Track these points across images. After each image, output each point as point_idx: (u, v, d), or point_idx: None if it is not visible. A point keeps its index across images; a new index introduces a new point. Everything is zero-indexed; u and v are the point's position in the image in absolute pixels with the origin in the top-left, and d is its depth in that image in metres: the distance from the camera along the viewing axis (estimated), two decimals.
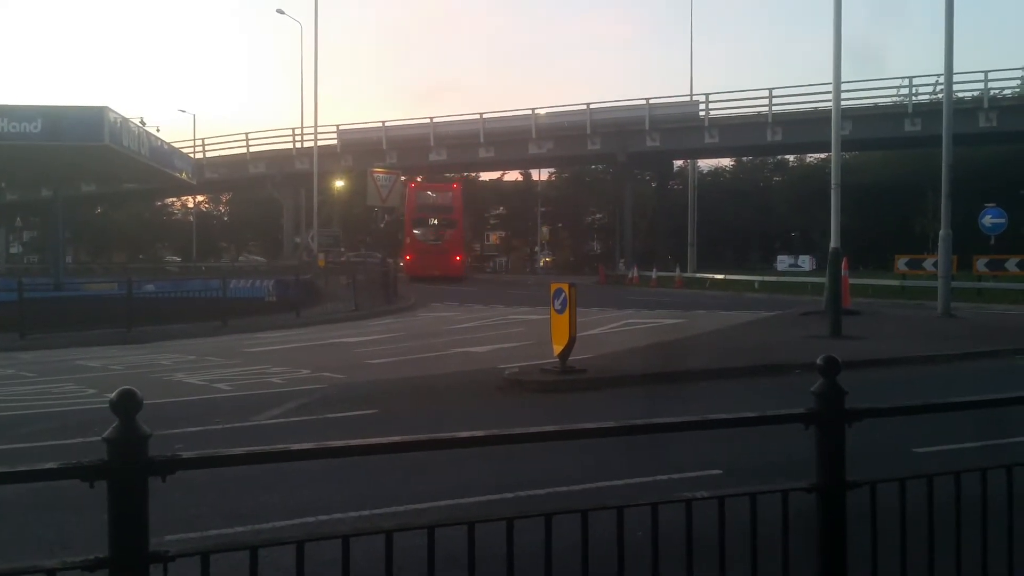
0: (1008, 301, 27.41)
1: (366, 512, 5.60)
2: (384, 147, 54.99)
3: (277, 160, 58.91)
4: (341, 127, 57.48)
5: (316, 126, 48.36)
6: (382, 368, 13.67)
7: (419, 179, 45.44)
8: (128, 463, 2.20)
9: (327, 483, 6.24)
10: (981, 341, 15.46)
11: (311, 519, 5.50)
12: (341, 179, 54.37)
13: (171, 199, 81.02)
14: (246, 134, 60.31)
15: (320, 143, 49.63)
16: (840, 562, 2.90)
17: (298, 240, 56.86)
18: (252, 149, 60.18)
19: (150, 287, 29.23)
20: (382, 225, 37.32)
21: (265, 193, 64.10)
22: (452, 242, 42.28)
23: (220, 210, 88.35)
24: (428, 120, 55.14)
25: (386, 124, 56.32)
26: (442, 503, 5.74)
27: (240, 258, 74.53)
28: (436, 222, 41.92)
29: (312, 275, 34.39)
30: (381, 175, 33.79)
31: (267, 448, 2.53)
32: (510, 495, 5.99)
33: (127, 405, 2.21)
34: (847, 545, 2.90)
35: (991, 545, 3.10)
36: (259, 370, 13.52)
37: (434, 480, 6.28)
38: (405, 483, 6.23)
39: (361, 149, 55.32)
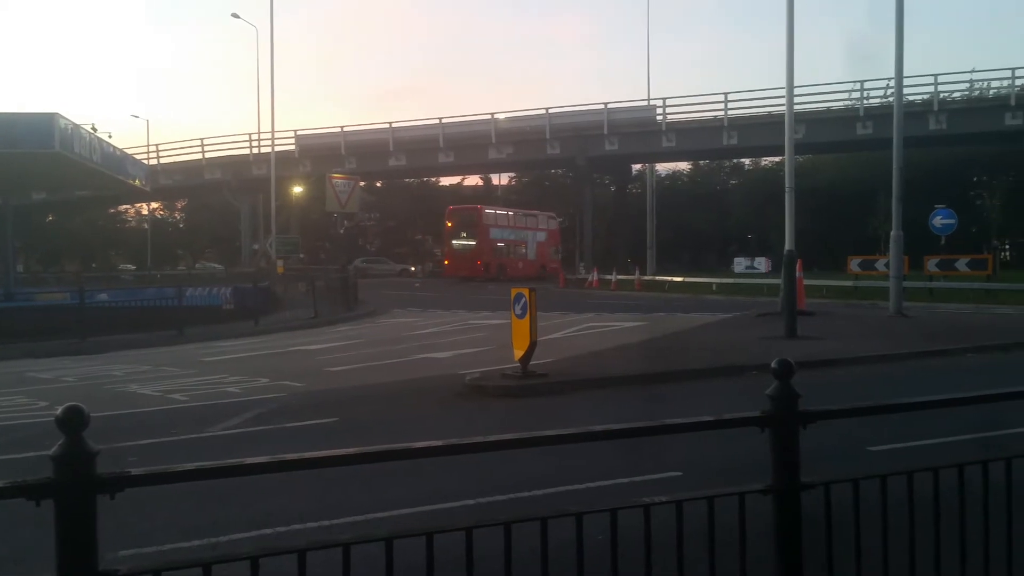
0: (958, 300, 27.97)
1: (325, 523, 5.54)
2: (343, 152, 54.72)
3: (233, 166, 58.31)
4: (299, 132, 57.09)
5: (273, 131, 48.04)
6: (342, 376, 13.57)
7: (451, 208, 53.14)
8: (74, 481, 2.15)
9: (285, 494, 6.17)
10: (932, 340, 15.76)
11: (269, 531, 5.43)
12: (299, 185, 53.97)
13: (125, 206, 79.65)
14: (201, 140, 59.70)
15: (278, 149, 49.26)
16: (796, 562, 2.93)
17: (256, 247, 56.33)
18: (208, 155, 59.52)
19: (103, 296, 28.71)
20: (341, 231, 37.18)
21: (222, 199, 63.42)
22: (476, 250, 49.96)
23: (176, 217, 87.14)
24: (387, 125, 54.98)
25: (345, 129, 56.06)
26: (403, 511, 5.71)
27: (197, 265, 73.53)
28: (465, 235, 49.94)
29: (271, 282, 34.05)
30: (340, 181, 33.66)
31: (218, 463, 2.49)
32: (471, 501, 5.97)
33: (73, 421, 2.16)
34: (804, 545, 2.94)
35: (944, 542, 3.15)
36: (216, 380, 13.34)
37: (394, 488, 6.24)
38: (365, 492, 6.18)
39: (320, 154, 54.99)
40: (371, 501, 6.00)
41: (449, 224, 51.01)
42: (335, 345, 18.30)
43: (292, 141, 56.28)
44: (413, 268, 56.55)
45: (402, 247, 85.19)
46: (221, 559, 2.42)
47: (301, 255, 50.47)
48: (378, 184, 75.75)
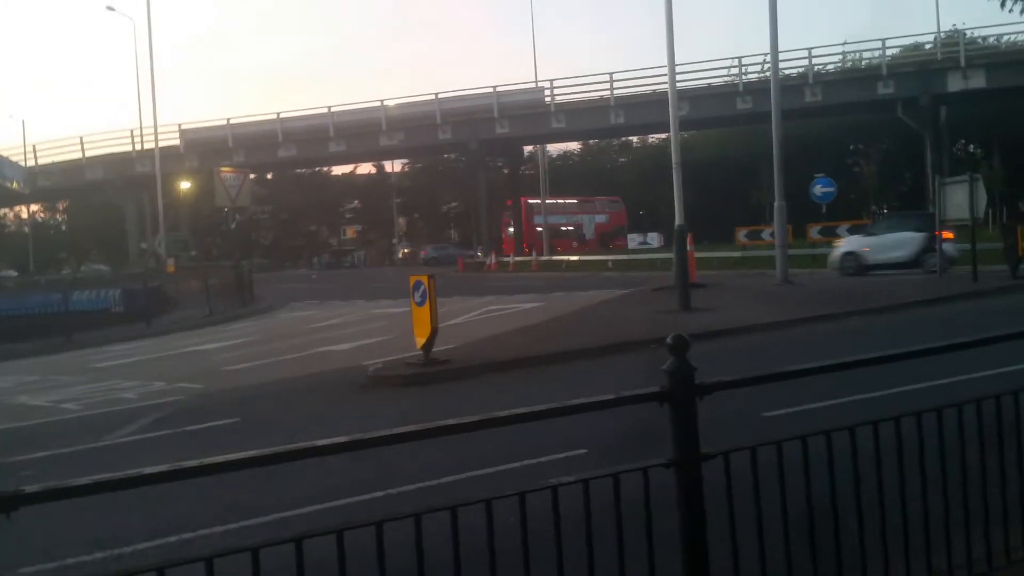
0: None
1: (232, 526, 5.43)
2: (231, 145, 53.15)
3: (116, 164, 55.92)
4: (184, 127, 55.13)
5: (156, 126, 46.23)
6: (241, 374, 13.28)
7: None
8: None
9: (189, 499, 6.00)
10: (818, 305, 16.45)
11: (174, 539, 5.29)
12: (187, 180, 52.14)
13: (3, 210, 75.58)
14: (81, 138, 56.93)
15: (162, 144, 47.46)
16: (700, 532, 3.04)
17: (144, 246, 54.27)
18: (88, 154, 56.86)
19: None
20: (233, 226, 36.11)
21: (105, 199, 60.79)
22: (523, 236, 55.08)
23: (57, 219, 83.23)
24: (275, 116, 53.65)
25: (231, 122, 54.43)
26: (310, 509, 5.64)
27: (82, 268, 70.31)
28: (513, 223, 56.70)
29: (161, 282, 32.89)
30: (229, 175, 32.66)
31: (117, 475, 2.42)
32: (380, 493, 5.95)
33: None
34: (708, 514, 3.04)
35: (840, 502, 3.31)
36: (109, 386, 12.88)
37: (300, 486, 6.15)
38: (269, 491, 6.08)
39: (207, 149, 53.24)
40: (278, 500, 5.90)
41: (504, 217, 58.20)
42: (232, 343, 17.87)
43: (177, 136, 54.33)
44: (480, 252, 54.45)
45: (297, 239, 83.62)
46: (124, 573, 2.36)
47: (193, 253, 48.88)
48: (269, 176, 74.03)
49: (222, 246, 60.75)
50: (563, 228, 60.15)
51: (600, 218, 62.83)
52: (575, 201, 63.08)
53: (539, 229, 55.86)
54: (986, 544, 3.64)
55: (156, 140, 46.14)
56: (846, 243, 26.80)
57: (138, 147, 54.15)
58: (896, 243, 24.35)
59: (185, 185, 52.29)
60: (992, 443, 3.72)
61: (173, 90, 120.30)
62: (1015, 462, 3.74)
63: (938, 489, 3.51)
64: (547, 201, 56.45)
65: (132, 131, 54.64)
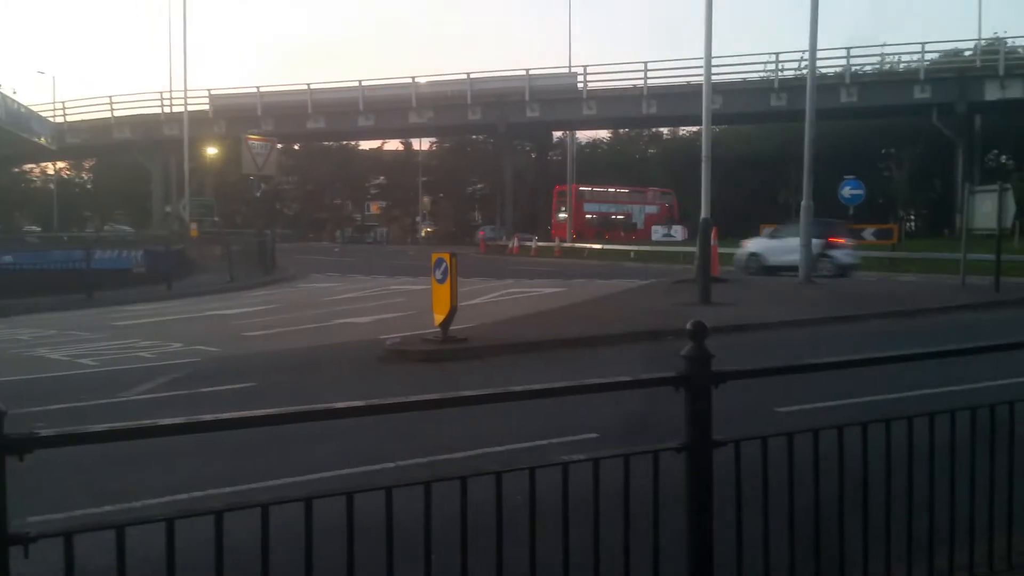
0: (865, 268, 28.95)
1: (242, 487, 5.47)
2: (259, 114, 53.33)
3: (144, 125, 56.29)
4: (213, 92, 55.34)
5: (186, 90, 46.45)
6: (259, 340, 13.36)
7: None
8: None
9: (201, 459, 6.08)
10: (839, 306, 16.32)
11: (184, 496, 5.34)
12: (214, 146, 52.39)
13: (30, 165, 76.20)
14: (110, 97, 57.39)
15: (191, 108, 47.69)
16: (707, 516, 3.03)
17: (169, 209, 54.64)
18: (117, 113, 57.25)
19: (8, 258, 27.54)
20: (258, 195, 36.31)
21: (132, 160, 61.22)
22: (572, 221, 54.18)
23: (83, 177, 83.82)
24: (306, 87, 53.75)
25: (261, 90, 54.59)
26: (322, 475, 5.68)
27: (106, 227, 70.93)
28: (564, 208, 55.07)
29: (184, 246, 33.15)
30: (256, 143, 32.81)
31: (130, 424, 2.44)
32: (391, 465, 5.98)
33: None
34: (715, 501, 3.04)
35: (847, 496, 3.30)
36: (128, 344, 13.00)
37: (313, 452, 6.21)
38: (283, 456, 6.13)
39: (235, 115, 53.46)
40: (289, 465, 5.95)
41: (555, 200, 57.73)
42: (252, 310, 17.98)
43: (206, 101, 54.53)
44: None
45: (321, 212, 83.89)
46: (134, 521, 2.38)
47: (216, 218, 49.18)
48: (296, 147, 74.22)
49: (246, 214, 61.11)
50: (613, 217, 60.85)
51: (651, 209, 63.18)
52: (626, 191, 63.62)
53: (588, 216, 56.47)
54: (988, 547, 3.62)
55: (185, 104, 46.33)
56: (751, 244, 28.55)
57: (167, 110, 54.45)
58: (794, 248, 24.98)
59: (212, 151, 52.53)
60: (1002, 448, 3.69)
61: (205, 56, 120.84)
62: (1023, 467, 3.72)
63: (946, 491, 3.49)
64: (596, 189, 57.52)
65: (161, 93, 55.03)
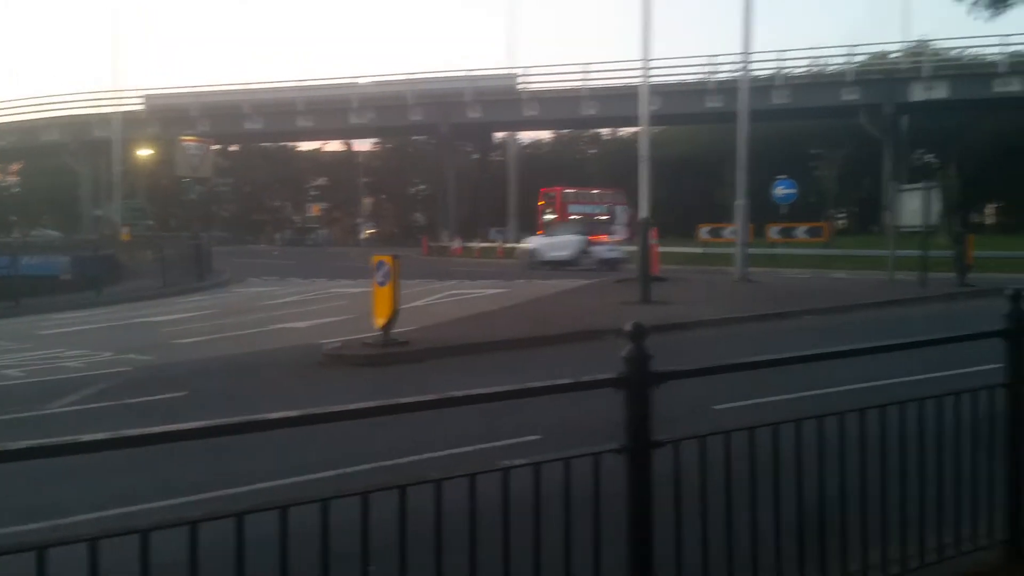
0: (798, 266, 29.61)
1: (176, 501, 5.33)
2: (195, 114, 52.28)
3: (73, 127, 54.79)
4: (148, 92, 54.11)
5: (117, 89, 45.41)
6: (193, 348, 13.08)
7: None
8: None
9: (132, 472, 5.89)
10: (774, 303, 16.64)
11: (113, 512, 5.18)
12: (148, 148, 51.19)
13: None
14: (37, 98, 55.81)
15: (125, 109, 46.63)
16: (647, 517, 3.03)
17: (99, 213, 53.26)
18: (46, 115, 55.62)
19: None
20: (194, 197, 35.59)
21: (61, 162, 59.53)
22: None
23: (9, 180, 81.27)
24: (243, 87, 52.91)
25: (197, 90, 53.54)
26: (259, 486, 5.56)
27: (33, 232, 68.82)
28: (549, 211, 56.03)
29: (115, 250, 32.30)
30: (191, 144, 32.22)
31: (55, 441, 2.32)
32: (331, 473, 5.88)
33: None
34: (654, 501, 3.04)
35: (783, 492, 3.34)
36: (54, 354, 12.63)
37: (249, 463, 6.07)
38: (217, 468, 5.98)
39: (170, 116, 52.31)
40: (224, 478, 5.81)
41: (540, 203, 58.75)
42: (186, 316, 17.61)
43: (139, 102, 53.30)
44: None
45: (260, 214, 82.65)
46: (56, 542, 2.27)
47: (150, 222, 48.09)
48: (233, 148, 73.00)
49: (181, 217, 59.85)
50: (598, 218, 61.90)
51: (629, 208, 64.37)
52: (611, 191, 64.25)
53: (573, 218, 56.92)
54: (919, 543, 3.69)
55: (117, 104, 45.28)
56: (531, 242, 34.17)
57: (99, 111, 53.09)
58: (561, 244, 30.39)
59: (145, 152, 51.34)
60: (932, 445, 3.77)
61: (145, 59, 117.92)
62: (953, 459, 3.80)
63: (877, 487, 3.56)
64: (581, 191, 58.27)
65: (93, 94, 53.60)
